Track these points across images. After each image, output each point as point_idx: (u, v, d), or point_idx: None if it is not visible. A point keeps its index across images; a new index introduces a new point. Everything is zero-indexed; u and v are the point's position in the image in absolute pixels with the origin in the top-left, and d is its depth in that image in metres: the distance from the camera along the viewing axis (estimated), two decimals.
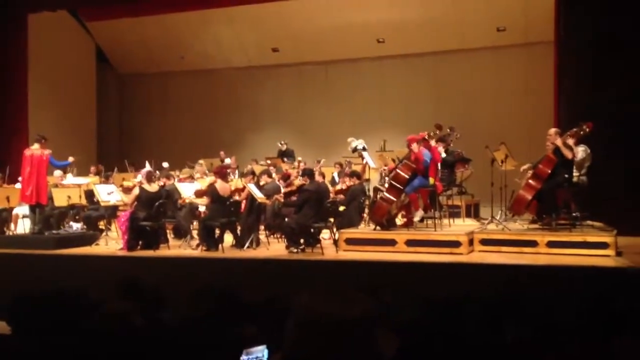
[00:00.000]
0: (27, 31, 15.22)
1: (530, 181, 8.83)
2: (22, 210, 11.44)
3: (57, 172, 11.84)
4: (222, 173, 10.18)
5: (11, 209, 11.59)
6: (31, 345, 3.06)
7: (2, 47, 14.73)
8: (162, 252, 9.74)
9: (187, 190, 10.69)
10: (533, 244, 8.36)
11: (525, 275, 7.39)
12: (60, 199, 10.90)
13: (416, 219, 9.49)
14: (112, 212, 11.34)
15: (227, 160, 14.76)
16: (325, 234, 9.99)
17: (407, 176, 9.15)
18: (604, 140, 9.48)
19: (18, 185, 11.25)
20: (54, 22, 16.67)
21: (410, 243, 8.76)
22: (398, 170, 9.27)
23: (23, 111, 15.06)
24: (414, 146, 9.23)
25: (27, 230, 11.01)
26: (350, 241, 9.11)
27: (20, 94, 15.02)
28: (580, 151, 9.15)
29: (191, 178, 12.27)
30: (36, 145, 10.56)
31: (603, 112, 9.81)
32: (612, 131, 9.80)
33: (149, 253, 9.55)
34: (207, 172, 12.80)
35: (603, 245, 8.05)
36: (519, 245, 8.44)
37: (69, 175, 12.34)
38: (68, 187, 11.46)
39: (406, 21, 16.05)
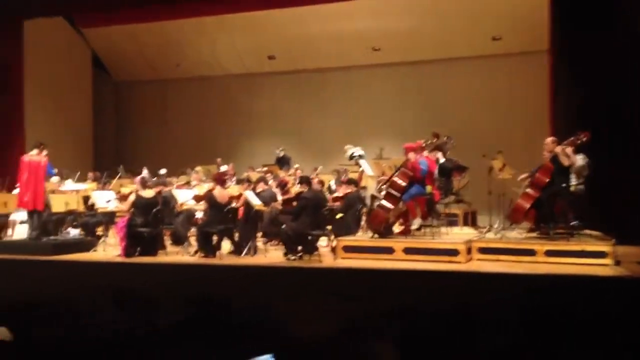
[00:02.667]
0: (23, 38, 15.20)
1: (528, 190, 8.87)
2: (20, 216, 11.42)
3: (55, 178, 11.81)
4: (221, 180, 10.18)
5: (8, 214, 11.57)
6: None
7: None
8: (160, 258, 9.71)
9: (184, 197, 10.68)
10: (531, 252, 8.36)
11: (524, 284, 7.40)
12: (58, 205, 10.85)
13: (414, 227, 9.49)
14: (109, 218, 11.31)
15: (224, 167, 14.74)
16: (322, 242, 10.00)
17: (404, 184, 9.17)
18: (601, 148, 9.51)
19: (16, 191, 11.20)
20: (50, 28, 16.68)
21: (408, 251, 8.76)
22: (395, 178, 9.29)
23: (19, 118, 15.05)
24: (411, 155, 9.28)
25: (26, 236, 10.95)
26: (348, 249, 9.11)
27: (16, 100, 15.02)
28: (579, 160, 9.15)
29: (188, 184, 12.26)
30: (34, 152, 10.53)
31: (599, 121, 9.85)
32: (609, 139, 9.84)
33: (147, 259, 9.52)
34: (203, 178, 12.79)
35: (601, 255, 8.06)
36: (517, 254, 8.44)
37: (68, 181, 12.30)
38: (66, 193, 11.43)
39: (401, 30, 16.11)
